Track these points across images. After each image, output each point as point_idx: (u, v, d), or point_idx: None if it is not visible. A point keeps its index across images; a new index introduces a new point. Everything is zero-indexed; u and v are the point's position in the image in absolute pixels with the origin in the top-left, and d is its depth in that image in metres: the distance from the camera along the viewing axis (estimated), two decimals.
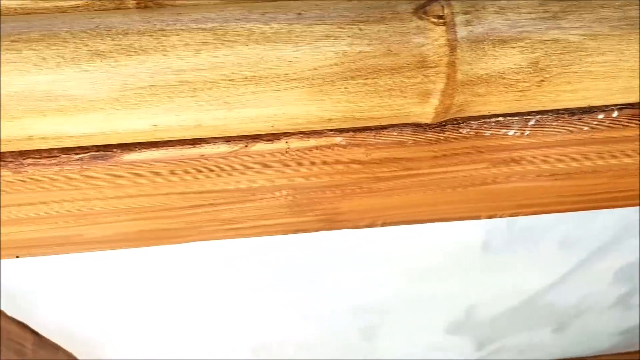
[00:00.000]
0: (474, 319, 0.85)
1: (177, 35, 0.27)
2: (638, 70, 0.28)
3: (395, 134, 0.31)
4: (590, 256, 0.75)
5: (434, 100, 0.28)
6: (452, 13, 0.27)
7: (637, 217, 0.70)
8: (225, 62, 0.26)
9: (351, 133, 0.31)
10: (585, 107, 0.31)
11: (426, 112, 0.29)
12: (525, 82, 0.28)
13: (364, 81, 0.27)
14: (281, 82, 0.27)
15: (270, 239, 0.67)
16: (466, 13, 0.27)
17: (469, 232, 0.68)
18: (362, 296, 0.80)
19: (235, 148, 0.31)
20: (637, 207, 0.57)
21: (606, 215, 0.69)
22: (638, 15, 0.27)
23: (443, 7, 0.27)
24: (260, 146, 0.31)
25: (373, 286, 0.78)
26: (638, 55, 0.28)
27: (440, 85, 0.27)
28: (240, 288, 0.76)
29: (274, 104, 0.27)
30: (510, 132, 0.32)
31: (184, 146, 0.31)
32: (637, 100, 0.30)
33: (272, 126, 0.28)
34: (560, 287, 0.81)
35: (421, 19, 0.27)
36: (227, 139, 0.30)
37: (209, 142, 0.30)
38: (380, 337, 0.87)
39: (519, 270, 0.76)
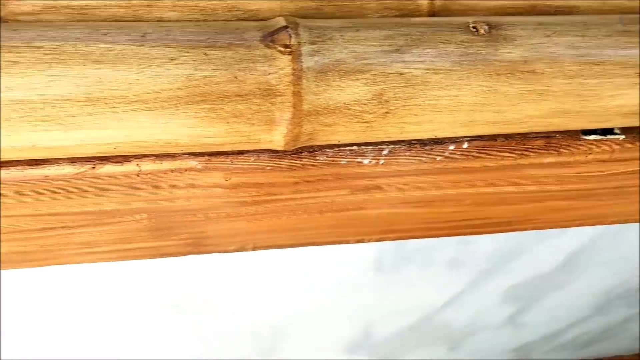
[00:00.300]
0: (371, 338, 0.86)
1: (10, 52, 0.25)
2: (478, 105, 0.29)
3: (253, 159, 0.31)
4: (479, 276, 0.78)
5: (282, 128, 0.28)
6: (299, 43, 0.27)
7: (520, 240, 0.74)
8: (60, 81, 0.25)
9: (206, 157, 0.31)
10: (436, 138, 0.33)
11: (276, 140, 0.29)
12: (370, 113, 0.28)
13: (209, 106, 0.27)
14: (121, 103, 0.26)
15: (164, 259, 0.65)
16: (313, 43, 0.27)
17: (361, 252, 0.69)
18: (259, 316, 0.79)
19: (82, 170, 0.29)
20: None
21: (492, 237, 0.72)
22: (478, 52, 0.29)
23: (290, 36, 0.27)
24: (109, 168, 0.30)
25: (270, 306, 0.77)
26: (478, 91, 0.29)
27: (287, 114, 0.27)
28: (134, 309, 0.73)
29: (114, 126, 0.26)
30: (366, 161, 0.33)
31: (26, 167, 0.29)
32: (480, 133, 0.32)
33: (115, 148, 0.27)
34: (453, 306, 0.83)
35: (268, 47, 0.27)
36: (72, 160, 0.29)
37: (52, 163, 0.29)
38: (279, 357, 0.87)
39: (412, 290, 0.78)
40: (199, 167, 0.31)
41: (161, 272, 0.68)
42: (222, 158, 0.31)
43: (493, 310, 0.87)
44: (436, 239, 0.69)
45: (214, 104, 0.27)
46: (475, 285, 0.80)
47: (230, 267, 0.69)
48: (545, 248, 0.78)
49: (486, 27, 0.29)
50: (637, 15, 0.31)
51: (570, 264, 0.81)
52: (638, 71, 0.29)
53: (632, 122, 0.32)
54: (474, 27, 0.29)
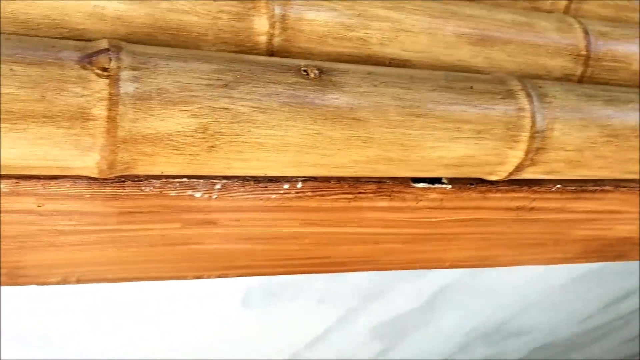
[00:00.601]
0: None
1: None
2: (305, 147, 0.30)
3: (68, 185, 0.29)
4: (347, 313, 0.79)
5: (95, 155, 0.26)
6: (119, 67, 0.26)
7: (387, 278, 0.76)
8: None
9: (14, 180, 0.28)
10: (270, 176, 0.32)
11: (89, 167, 0.27)
12: (194, 146, 0.28)
13: (10, 126, 0.25)
14: None
15: (27, 288, 0.60)
16: (135, 69, 0.26)
17: (227, 288, 0.67)
18: (118, 353, 0.74)
19: None
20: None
21: (359, 275, 0.73)
22: (306, 95, 0.29)
23: (110, 59, 0.26)
24: None
25: (130, 343, 0.73)
26: (304, 133, 0.29)
27: (100, 140, 0.26)
28: None
29: None
30: (198, 194, 0.32)
31: None
32: (310, 175, 0.32)
33: None
34: (322, 343, 0.83)
35: (85, 68, 0.26)
36: None
37: None
38: None
39: (281, 326, 0.77)
40: (6, 190, 0.28)
41: (22, 302, 0.62)
42: (32, 182, 0.28)
43: (362, 347, 0.88)
44: (303, 275, 0.69)
45: (15, 123, 0.25)
46: (344, 322, 0.81)
47: (87, 298, 0.65)
48: (411, 287, 0.80)
49: (317, 72, 0.29)
50: (462, 73, 0.33)
51: (433, 303, 0.84)
52: (457, 126, 0.31)
53: (455, 173, 0.33)
54: (304, 71, 0.29)
